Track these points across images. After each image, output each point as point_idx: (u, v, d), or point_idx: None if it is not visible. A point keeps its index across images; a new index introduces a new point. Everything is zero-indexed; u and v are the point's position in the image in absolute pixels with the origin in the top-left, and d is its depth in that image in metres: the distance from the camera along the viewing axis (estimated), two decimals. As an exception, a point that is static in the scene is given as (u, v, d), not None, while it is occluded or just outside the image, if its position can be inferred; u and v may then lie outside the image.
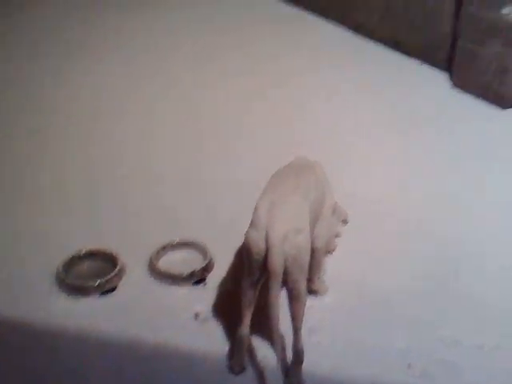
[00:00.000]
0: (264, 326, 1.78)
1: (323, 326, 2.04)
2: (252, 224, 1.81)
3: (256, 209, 1.84)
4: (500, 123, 3.24)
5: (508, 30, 3.18)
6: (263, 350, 1.93)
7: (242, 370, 1.90)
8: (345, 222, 2.28)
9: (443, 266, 2.32)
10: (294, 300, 1.81)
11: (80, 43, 4.14)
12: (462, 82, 3.50)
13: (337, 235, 2.30)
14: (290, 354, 1.87)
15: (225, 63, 3.92)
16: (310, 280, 1.97)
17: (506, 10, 3.16)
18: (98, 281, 2.19)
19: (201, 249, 2.35)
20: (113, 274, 2.22)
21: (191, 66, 3.90)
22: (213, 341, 1.99)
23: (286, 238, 1.75)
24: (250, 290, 1.82)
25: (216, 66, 3.87)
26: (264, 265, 1.75)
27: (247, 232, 1.81)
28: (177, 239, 2.39)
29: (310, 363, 1.86)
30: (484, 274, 2.29)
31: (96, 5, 4.74)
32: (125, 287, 2.22)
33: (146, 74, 3.79)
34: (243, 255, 1.83)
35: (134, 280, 2.24)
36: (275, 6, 4.80)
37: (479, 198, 2.69)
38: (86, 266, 2.31)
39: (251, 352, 1.92)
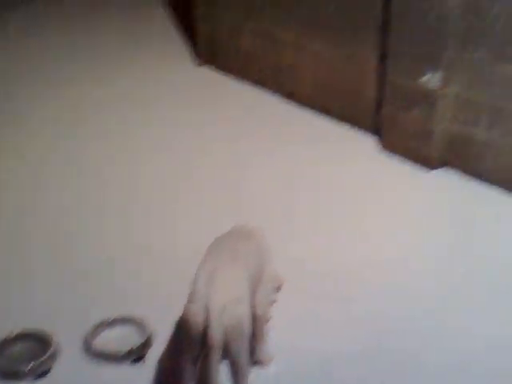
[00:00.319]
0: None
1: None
2: (190, 296, 1.79)
3: (194, 280, 1.82)
4: (427, 183, 3.37)
5: (428, 96, 3.35)
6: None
7: None
8: (279, 288, 2.27)
9: (385, 326, 2.34)
10: (235, 373, 1.78)
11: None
12: (390, 146, 3.65)
13: (272, 302, 2.30)
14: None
15: (157, 130, 3.97)
16: (252, 350, 1.95)
17: (425, 78, 3.34)
18: (31, 364, 2.09)
19: (139, 324, 2.29)
20: (46, 356, 2.13)
21: (125, 133, 3.93)
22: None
23: (226, 309, 1.73)
24: (190, 366, 1.78)
25: (149, 133, 3.92)
26: (204, 339, 1.72)
27: (186, 305, 1.79)
28: (113, 315, 2.32)
29: None
30: (424, 335, 2.31)
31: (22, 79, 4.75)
32: (59, 369, 2.13)
33: (78, 144, 3.79)
34: (182, 330, 1.80)
35: (69, 361, 2.15)
36: (200, 72, 4.95)
37: (419, 258, 2.76)
38: (18, 348, 2.21)
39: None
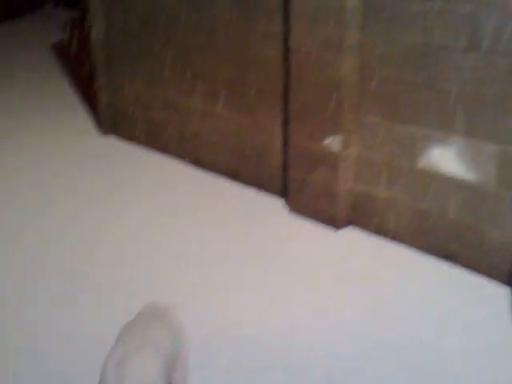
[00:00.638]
0: None
1: None
2: (101, 384, 1.71)
3: (103, 368, 1.74)
4: (334, 243, 3.44)
5: (330, 158, 3.46)
6: None
7: None
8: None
9: None
10: None
11: None
12: (297, 207, 3.72)
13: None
14: None
15: (54, 210, 3.84)
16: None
17: (326, 141, 3.45)
18: None
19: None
20: None
21: (25, 217, 3.78)
22: None
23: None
24: None
25: (48, 215, 3.78)
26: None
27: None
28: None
29: None
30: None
31: None
32: None
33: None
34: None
35: None
36: (104, 142, 4.89)
37: (327, 318, 2.78)
38: None
39: None
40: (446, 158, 3.07)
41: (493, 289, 2.95)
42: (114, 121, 5.01)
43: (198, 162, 4.38)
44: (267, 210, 3.80)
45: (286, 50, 3.57)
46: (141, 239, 3.48)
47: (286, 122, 3.72)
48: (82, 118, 5.39)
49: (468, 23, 2.84)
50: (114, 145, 4.87)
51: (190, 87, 4.33)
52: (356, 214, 3.53)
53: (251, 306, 2.88)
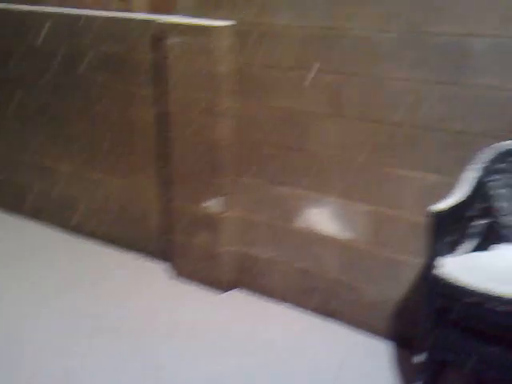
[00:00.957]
0: None
1: None
2: None
3: None
4: (219, 306, 3.40)
5: (213, 220, 3.46)
6: None
7: None
8: None
9: None
10: None
11: None
12: (181, 272, 3.66)
13: None
14: None
15: None
16: None
17: (208, 203, 3.45)
18: None
19: None
20: None
21: None
22: None
23: None
24: None
25: None
26: None
27: None
28: None
29: None
30: None
31: None
32: None
33: None
34: None
35: None
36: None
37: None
38: None
39: None
40: (323, 218, 3.15)
41: (373, 344, 3.02)
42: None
43: (76, 228, 4.22)
44: (150, 276, 3.71)
45: (164, 114, 3.57)
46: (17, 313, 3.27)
47: (166, 185, 3.69)
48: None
49: (333, 91, 2.98)
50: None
51: (63, 152, 4.20)
52: (241, 275, 3.53)
53: (133, 372, 2.77)
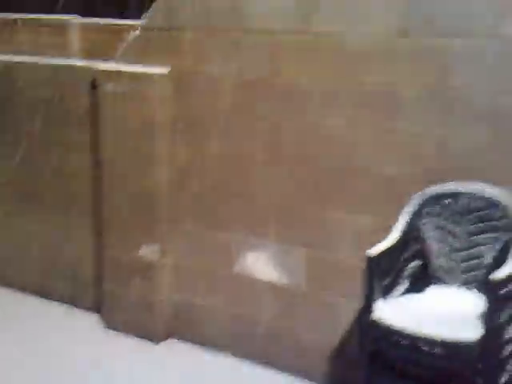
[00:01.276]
0: None
1: None
2: None
3: None
4: (154, 357, 3.30)
5: (147, 268, 3.39)
6: None
7: None
8: None
9: None
10: None
11: None
12: (114, 323, 3.54)
13: None
14: None
15: None
16: None
17: (142, 251, 3.38)
18: None
19: None
20: None
21: None
22: None
23: None
24: None
25: None
26: None
27: None
28: None
29: None
30: None
31: None
32: None
33: None
34: None
35: None
36: None
37: None
38: None
39: None
40: (261, 263, 3.15)
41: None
42: None
43: (5, 281, 4.04)
44: (81, 327, 3.58)
45: (97, 161, 3.51)
46: None
47: (98, 234, 3.60)
48: None
49: (270, 136, 3.03)
50: None
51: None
52: (176, 324, 3.45)
53: None
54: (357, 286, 2.50)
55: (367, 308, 2.40)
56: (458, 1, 2.56)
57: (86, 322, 3.63)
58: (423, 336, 2.26)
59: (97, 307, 3.68)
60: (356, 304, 2.61)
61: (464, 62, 2.57)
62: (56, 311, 3.76)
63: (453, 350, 2.23)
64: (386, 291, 2.48)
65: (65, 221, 3.78)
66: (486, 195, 2.49)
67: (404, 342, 2.31)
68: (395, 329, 2.32)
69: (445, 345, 2.23)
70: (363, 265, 2.41)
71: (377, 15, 2.71)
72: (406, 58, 2.67)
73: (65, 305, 3.80)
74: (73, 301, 3.78)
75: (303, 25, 2.87)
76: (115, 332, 3.51)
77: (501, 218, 2.47)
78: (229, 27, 3.07)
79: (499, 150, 2.54)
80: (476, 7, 2.52)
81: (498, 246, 2.48)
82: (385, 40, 2.70)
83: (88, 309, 3.72)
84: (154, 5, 3.29)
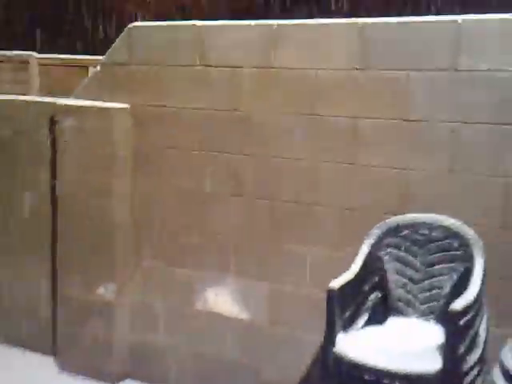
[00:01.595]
0: None
1: None
2: None
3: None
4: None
5: (104, 307, 3.29)
6: None
7: None
8: None
9: None
10: None
11: None
12: (69, 365, 3.41)
13: None
14: None
15: None
16: None
17: (99, 290, 3.29)
18: None
19: None
20: None
21: None
22: None
23: None
24: None
25: None
26: None
27: None
28: None
29: None
30: None
31: None
32: None
33: None
34: None
35: None
36: None
37: None
38: None
39: None
40: (222, 299, 3.09)
41: None
42: None
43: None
44: (35, 370, 3.43)
45: (53, 198, 3.43)
46: None
47: (54, 273, 3.49)
48: None
49: (231, 171, 3.01)
50: None
51: None
52: (134, 365, 3.34)
53: None
54: (319, 319, 2.46)
55: (329, 342, 2.35)
56: (416, 37, 2.62)
57: (40, 365, 3.49)
58: (386, 370, 2.22)
59: (53, 349, 3.54)
60: (318, 337, 2.56)
61: (422, 93, 2.61)
62: (8, 354, 3.61)
63: (414, 382, 2.19)
64: (348, 324, 2.44)
65: (19, 260, 3.65)
66: (445, 225, 2.50)
67: (366, 376, 2.26)
68: (357, 363, 2.27)
69: (407, 377, 2.19)
70: (324, 297, 2.37)
71: (337, 51, 2.75)
72: (365, 92, 2.70)
73: (20, 348, 3.65)
74: (29, 343, 3.63)
75: (265, 59, 2.89)
76: (71, 374, 3.37)
77: (459, 247, 2.48)
78: (189, 62, 3.08)
79: (458, 179, 2.56)
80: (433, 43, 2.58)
81: (455, 276, 2.49)
82: (345, 74, 2.74)
83: (43, 351, 3.58)
84: (116, 41, 3.29)
